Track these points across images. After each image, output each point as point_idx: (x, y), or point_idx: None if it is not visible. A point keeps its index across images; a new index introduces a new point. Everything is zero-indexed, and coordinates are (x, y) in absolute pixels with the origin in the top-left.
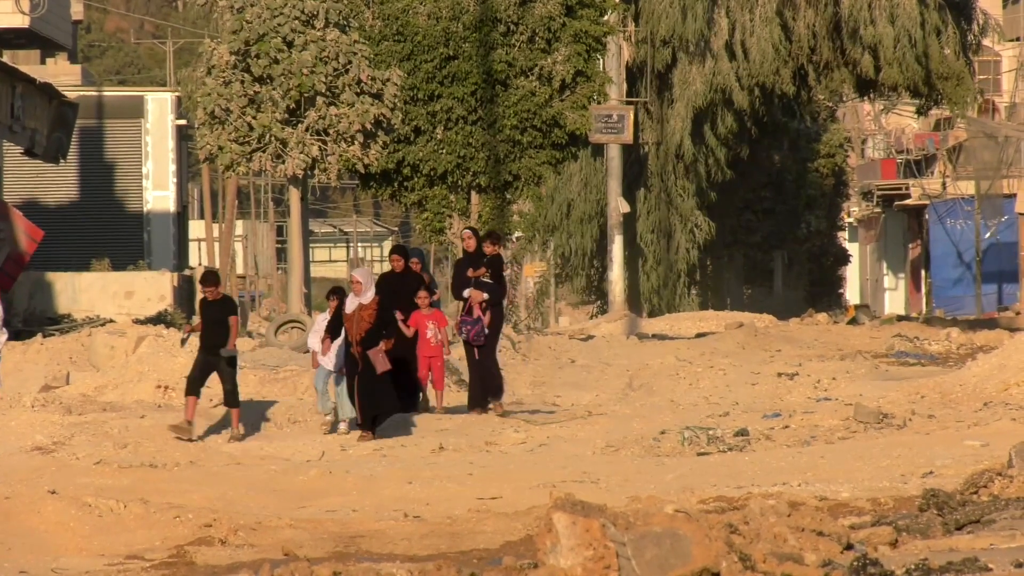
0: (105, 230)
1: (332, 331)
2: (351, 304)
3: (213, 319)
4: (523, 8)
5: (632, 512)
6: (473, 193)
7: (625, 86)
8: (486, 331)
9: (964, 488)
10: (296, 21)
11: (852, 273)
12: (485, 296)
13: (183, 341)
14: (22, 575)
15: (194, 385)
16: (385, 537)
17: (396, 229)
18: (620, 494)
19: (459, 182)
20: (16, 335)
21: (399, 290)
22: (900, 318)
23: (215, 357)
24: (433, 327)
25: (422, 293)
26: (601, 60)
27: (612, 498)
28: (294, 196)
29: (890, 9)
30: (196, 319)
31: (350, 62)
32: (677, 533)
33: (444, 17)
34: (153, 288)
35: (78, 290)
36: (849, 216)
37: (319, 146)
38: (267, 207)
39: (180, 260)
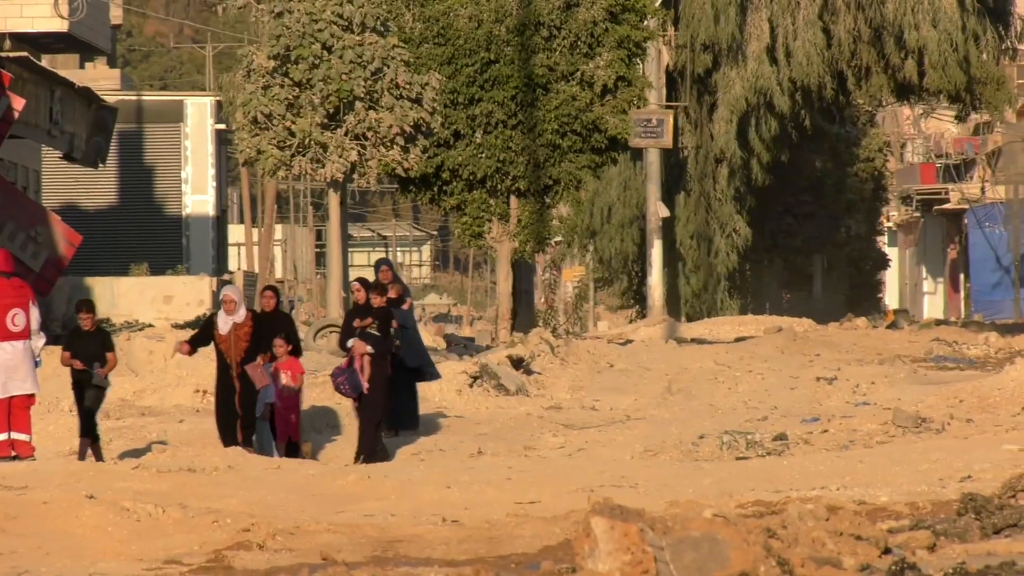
0: (144, 234)
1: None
2: (225, 325)
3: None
4: (566, 12)
5: (670, 516)
6: (512, 197)
7: (665, 91)
8: (363, 384)
9: (1002, 492)
10: (335, 26)
11: (891, 277)
12: (369, 348)
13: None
14: None
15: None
16: (423, 541)
17: (435, 233)
18: (658, 498)
19: (498, 186)
20: (54, 340)
21: (268, 331)
22: (939, 322)
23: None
24: (287, 376)
25: (278, 340)
26: (641, 65)
27: (650, 502)
28: (333, 200)
29: (932, 14)
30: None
31: (387, 66)
32: (715, 537)
33: (486, 20)
34: (192, 293)
35: (117, 295)
36: (888, 220)
37: (358, 150)
38: (306, 211)
39: (219, 264)
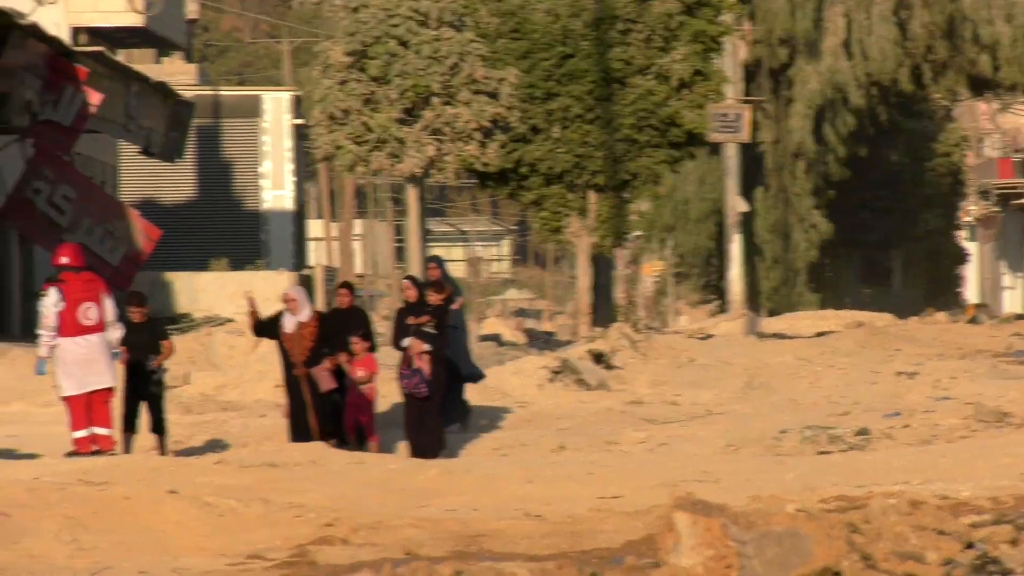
0: (223, 229)
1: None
2: (290, 324)
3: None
4: (642, 6)
5: (753, 511)
6: (590, 192)
7: (742, 85)
8: (426, 383)
9: None
10: (411, 21)
11: (971, 272)
12: (426, 347)
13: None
14: (142, 575)
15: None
16: (506, 536)
17: (514, 228)
18: (740, 493)
19: (576, 181)
20: None
21: (343, 328)
22: (1019, 317)
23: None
24: (362, 373)
25: (355, 338)
26: (718, 59)
27: (732, 497)
28: (412, 195)
29: (1007, 8)
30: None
31: (463, 61)
32: (798, 532)
33: (562, 15)
34: (271, 288)
35: (196, 290)
36: (968, 215)
37: (436, 145)
38: (385, 206)
39: (298, 260)
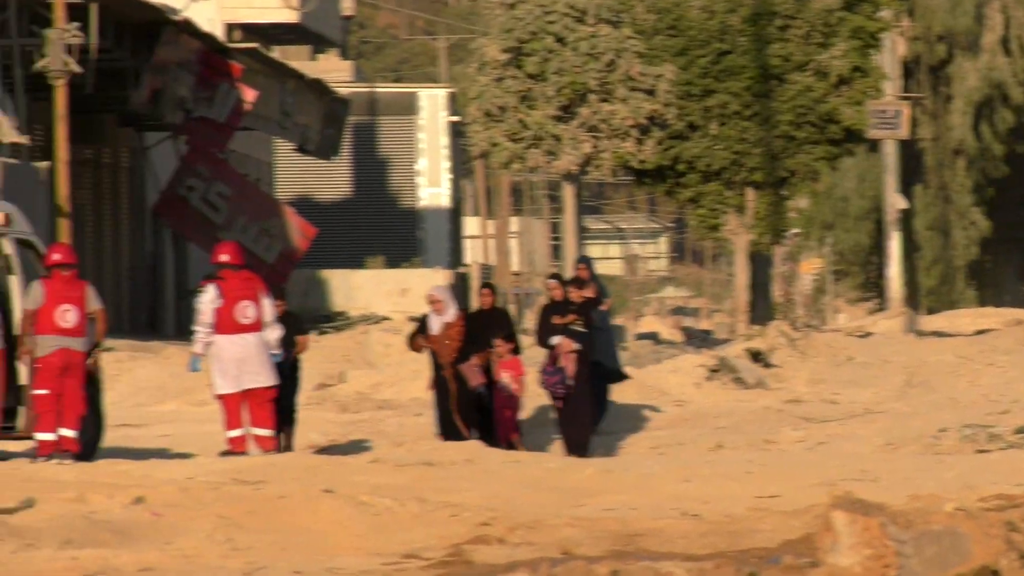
0: (378, 227)
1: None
2: (436, 324)
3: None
4: (800, 2)
5: (911, 510)
6: (748, 189)
7: (900, 81)
8: (569, 382)
9: None
10: (567, 18)
11: None
12: (576, 345)
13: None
14: (296, 575)
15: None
16: (663, 535)
17: (671, 225)
18: (899, 492)
19: (734, 178)
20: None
21: (486, 329)
22: None
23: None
24: (508, 376)
25: (499, 340)
26: (876, 55)
27: (891, 496)
28: (568, 192)
29: None
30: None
31: (620, 57)
32: (957, 531)
33: (719, 11)
34: (428, 286)
35: (352, 288)
36: None
37: (592, 142)
38: (541, 203)
39: (454, 258)
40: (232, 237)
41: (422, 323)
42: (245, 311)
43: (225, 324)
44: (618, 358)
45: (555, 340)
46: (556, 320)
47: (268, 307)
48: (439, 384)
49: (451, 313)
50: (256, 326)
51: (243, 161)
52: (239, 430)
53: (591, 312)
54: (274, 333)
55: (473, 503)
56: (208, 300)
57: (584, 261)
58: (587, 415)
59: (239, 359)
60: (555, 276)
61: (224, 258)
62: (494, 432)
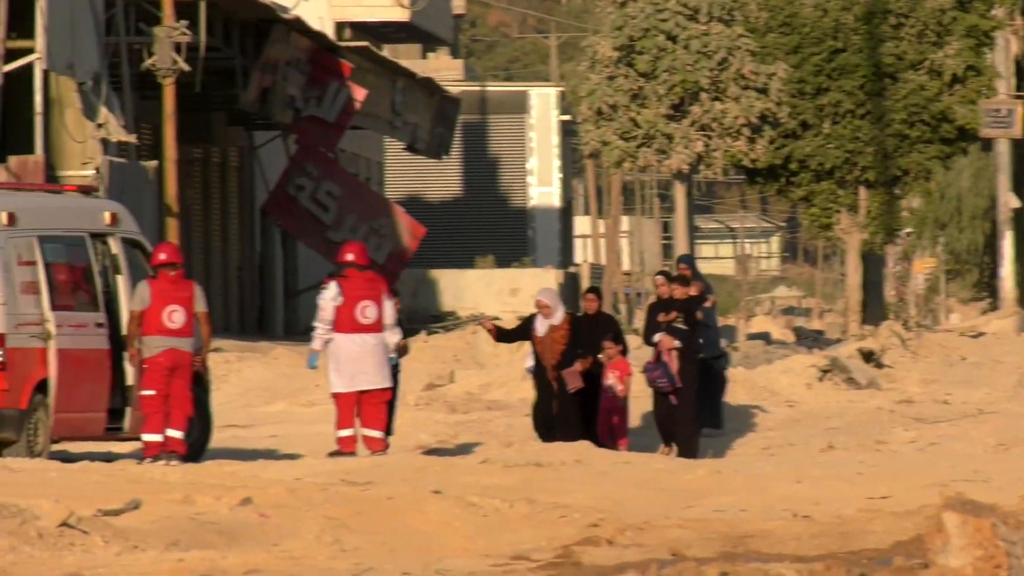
0: (489, 227)
1: (513, 336)
2: (542, 327)
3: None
4: (913, 1)
5: (1023, 511)
6: (861, 188)
7: (1014, 80)
8: (672, 377)
9: None
10: (679, 16)
11: None
12: (677, 343)
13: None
14: None
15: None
16: (774, 537)
17: (783, 225)
18: (1011, 493)
19: (847, 177)
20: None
21: (591, 334)
22: None
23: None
24: (614, 377)
25: (607, 343)
26: (990, 54)
27: (1003, 497)
28: (679, 192)
29: None
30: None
31: (732, 55)
32: None
33: (832, 8)
34: (538, 285)
35: (462, 287)
36: None
37: (704, 141)
38: (652, 203)
39: (564, 257)
40: (341, 237)
41: (527, 323)
42: (365, 311)
43: (344, 323)
44: (722, 349)
45: (656, 337)
46: (661, 318)
47: (390, 309)
48: (541, 386)
49: (558, 316)
50: (376, 327)
51: (353, 160)
52: (349, 430)
53: (695, 309)
54: (395, 336)
55: (582, 504)
56: (329, 297)
57: (686, 259)
58: (690, 420)
59: (355, 358)
60: (663, 273)
61: (350, 257)
62: (596, 436)
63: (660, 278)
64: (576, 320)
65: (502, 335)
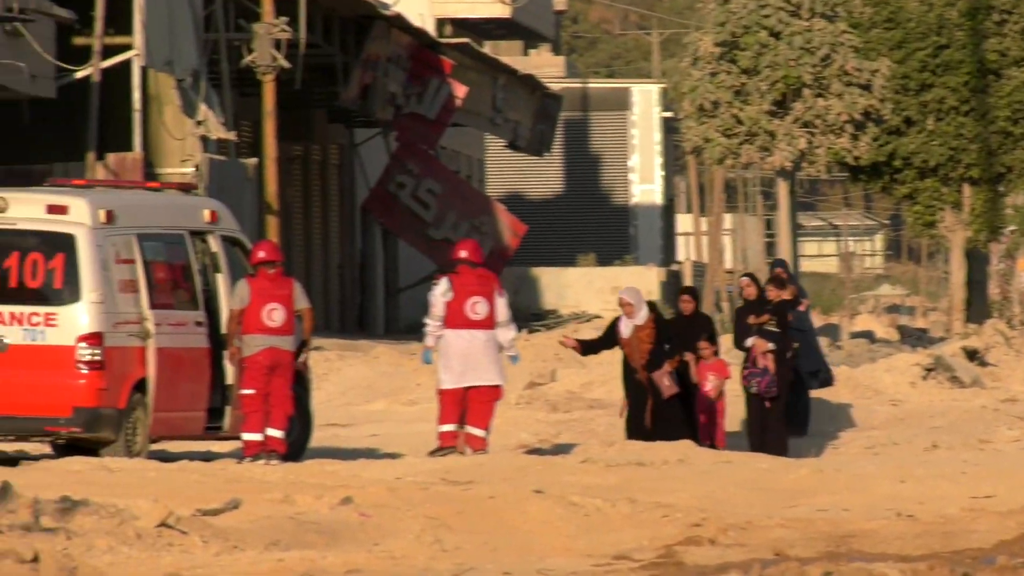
0: (590, 224)
1: (597, 346)
2: (626, 328)
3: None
4: None
5: None
6: (965, 185)
7: None
8: (776, 383)
9: None
10: (782, 12)
11: None
12: (770, 345)
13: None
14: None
15: None
16: (877, 536)
17: (887, 222)
18: None
19: (951, 174)
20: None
21: (687, 334)
22: None
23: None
24: (713, 378)
25: (703, 343)
26: None
27: None
28: (782, 189)
29: None
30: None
31: (835, 51)
32: None
33: (936, 4)
34: (640, 283)
35: (563, 285)
36: None
37: (807, 138)
38: (755, 200)
39: (667, 255)
40: (442, 235)
41: (611, 329)
42: (475, 307)
43: (454, 319)
44: (822, 360)
45: (749, 342)
46: (751, 320)
47: (502, 306)
48: (632, 387)
49: (641, 316)
50: (487, 323)
51: (454, 158)
52: (452, 425)
53: (787, 312)
54: (508, 333)
55: (685, 504)
56: (439, 293)
57: (780, 264)
58: (780, 423)
59: (464, 355)
60: (748, 275)
61: (463, 254)
62: (696, 436)
63: (745, 279)
64: (671, 322)
65: (587, 347)
